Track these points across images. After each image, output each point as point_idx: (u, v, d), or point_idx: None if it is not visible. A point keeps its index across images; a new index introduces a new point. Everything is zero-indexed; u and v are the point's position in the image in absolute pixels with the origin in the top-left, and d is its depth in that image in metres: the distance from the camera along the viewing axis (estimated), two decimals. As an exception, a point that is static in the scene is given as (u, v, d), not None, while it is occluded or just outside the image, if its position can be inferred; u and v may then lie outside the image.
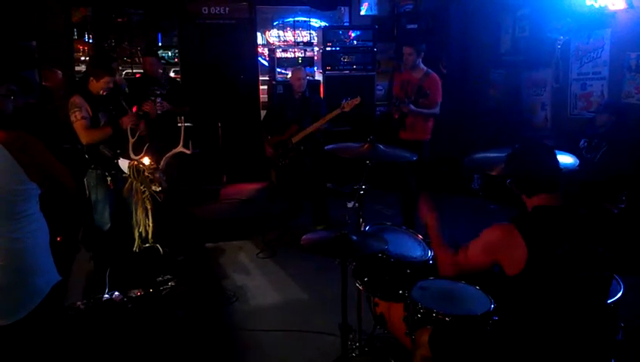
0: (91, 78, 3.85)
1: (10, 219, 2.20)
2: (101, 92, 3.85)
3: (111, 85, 3.87)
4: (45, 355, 2.33)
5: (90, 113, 3.81)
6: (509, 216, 2.05)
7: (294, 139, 5.44)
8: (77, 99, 3.79)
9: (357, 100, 5.21)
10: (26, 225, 2.23)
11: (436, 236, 2.38)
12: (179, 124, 5.21)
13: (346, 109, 5.21)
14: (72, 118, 3.75)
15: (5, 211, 2.19)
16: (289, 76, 7.20)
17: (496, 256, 1.98)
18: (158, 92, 5.38)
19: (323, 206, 5.60)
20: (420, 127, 4.97)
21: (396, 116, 4.99)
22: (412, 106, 4.81)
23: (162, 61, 11.44)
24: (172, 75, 11.67)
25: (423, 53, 4.98)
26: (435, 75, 5.00)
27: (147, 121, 4.10)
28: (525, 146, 2.22)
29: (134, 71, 8.04)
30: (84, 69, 7.15)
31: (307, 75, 5.93)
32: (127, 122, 3.81)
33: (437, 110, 4.95)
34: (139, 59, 9.24)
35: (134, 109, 4.25)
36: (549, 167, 2.05)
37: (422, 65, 5.00)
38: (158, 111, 4.89)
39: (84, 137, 3.77)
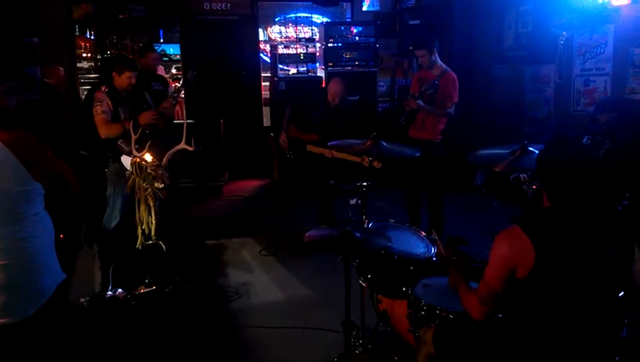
0: (114, 74, 3.93)
1: (15, 219, 2.18)
2: (128, 87, 3.90)
3: (133, 80, 3.92)
4: (52, 353, 2.33)
5: (111, 108, 3.89)
6: (511, 212, 2.02)
7: (309, 148, 5.28)
8: (99, 94, 3.91)
9: (379, 164, 4.19)
10: (31, 225, 2.22)
11: (462, 282, 2.22)
12: (181, 121, 5.16)
13: (366, 164, 4.44)
14: (93, 112, 3.87)
15: (10, 212, 2.17)
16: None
17: (512, 266, 1.88)
18: (157, 88, 5.32)
19: (329, 205, 5.54)
20: (430, 126, 4.84)
21: (407, 109, 4.94)
22: (420, 102, 4.76)
23: (165, 58, 11.40)
24: (174, 71, 11.63)
25: (436, 50, 4.83)
26: (453, 74, 4.84)
27: (164, 119, 4.11)
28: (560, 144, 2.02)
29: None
30: (85, 66, 7.12)
31: (343, 89, 5.32)
32: (145, 119, 3.87)
33: (451, 110, 4.81)
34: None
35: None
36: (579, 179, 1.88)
37: (439, 63, 4.86)
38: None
39: (102, 131, 3.87)
